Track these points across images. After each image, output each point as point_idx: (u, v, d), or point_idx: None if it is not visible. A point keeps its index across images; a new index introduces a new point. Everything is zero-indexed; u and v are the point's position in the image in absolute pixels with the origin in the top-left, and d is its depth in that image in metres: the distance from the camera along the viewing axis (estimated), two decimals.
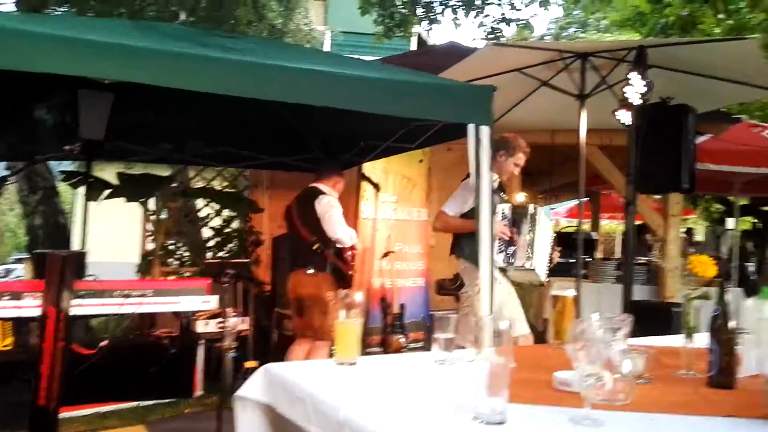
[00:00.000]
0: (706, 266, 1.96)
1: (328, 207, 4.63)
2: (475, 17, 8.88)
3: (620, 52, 4.66)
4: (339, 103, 3.22)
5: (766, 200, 10.59)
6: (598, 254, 10.45)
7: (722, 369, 1.77)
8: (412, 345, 5.82)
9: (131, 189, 5.71)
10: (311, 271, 4.60)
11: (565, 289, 2.35)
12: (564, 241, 5.43)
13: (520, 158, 4.24)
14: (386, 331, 5.50)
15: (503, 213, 4.07)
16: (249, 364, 3.88)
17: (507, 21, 9.02)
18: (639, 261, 9.27)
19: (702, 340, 1.89)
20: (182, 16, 8.02)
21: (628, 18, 11.50)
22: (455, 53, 8.20)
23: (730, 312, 1.77)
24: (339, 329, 2.04)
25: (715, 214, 13.64)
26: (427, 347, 5.95)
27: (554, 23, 19.68)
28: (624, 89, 4.40)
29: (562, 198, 13.24)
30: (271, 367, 1.99)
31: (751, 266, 12.28)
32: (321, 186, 4.76)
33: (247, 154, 5.81)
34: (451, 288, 5.19)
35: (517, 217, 4.07)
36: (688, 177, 4.70)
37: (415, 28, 10.30)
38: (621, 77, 4.58)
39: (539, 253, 4.09)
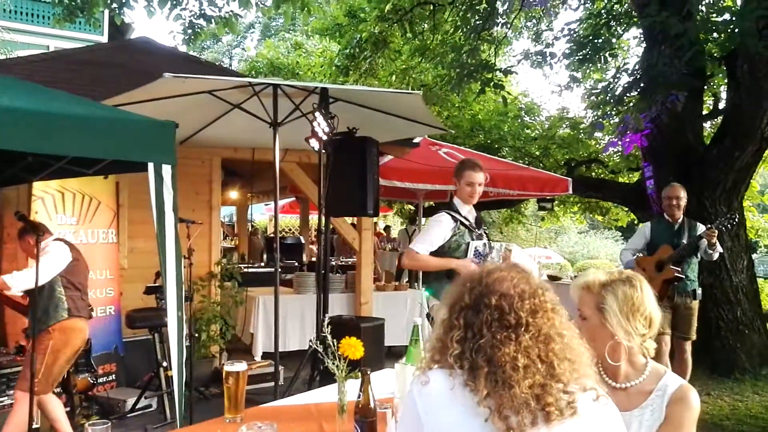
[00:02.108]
0: (354, 349, 2.05)
1: None
2: (171, 9, 8.38)
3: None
4: None
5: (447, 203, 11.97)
6: (307, 257, 10.77)
7: None
8: (103, 380, 5.33)
9: None
10: None
11: (234, 363, 2.28)
12: (272, 246, 5.47)
13: (469, 176, 3.99)
14: (69, 372, 4.91)
15: (476, 250, 3.82)
16: None
17: (207, 17, 8.71)
18: (342, 264, 9.84)
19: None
20: None
21: (327, 27, 12.05)
22: (150, 51, 7.74)
23: None
24: None
25: (407, 213, 15.15)
26: (119, 380, 5.53)
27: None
28: (312, 123, 4.53)
29: (272, 197, 13.44)
30: None
31: None
32: None
33: None
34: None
35: (490, 254, 3.81)
36: (373, 204, 5.04)
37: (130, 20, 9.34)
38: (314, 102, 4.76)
39: None
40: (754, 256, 14.86)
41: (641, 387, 1.92)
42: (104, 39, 14.06)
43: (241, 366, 2.28)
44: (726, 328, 6.75)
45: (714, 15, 6.25)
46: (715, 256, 5.09)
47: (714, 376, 6.46)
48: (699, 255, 5.18)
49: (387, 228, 16.14)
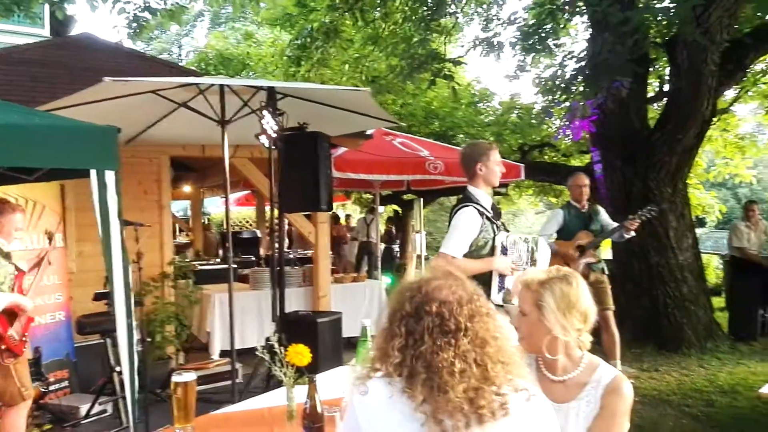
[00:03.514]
0: (301, 356, 2.08)
1: None
2: (114, 2, 8.16)
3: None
4: None
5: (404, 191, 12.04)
6: (264, 251, 10.68)
7: None
8: (55, 387, 5.24)
9: None
10: None
11: (183, 373, 2.27)
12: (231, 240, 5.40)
13: (496, 154, 3.55)
14: None
15: (503, 246, 3.41)
16: None
17: (151, 10, 8.51)
18: (300, 256, 9.81)
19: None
20: None
21: (278, 17, 11.89)
22: (92, 47, 7.53)
23: None
24: None
25: (365, 201, 15.17)
26: (73, 386, 5.44)
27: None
28: (261, 121, 4.51)
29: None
30: None
31: (395, 247, 14.04)
32: None
33: None
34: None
35: (520, 248, 3.45)
36: (326, 198, 5.06)
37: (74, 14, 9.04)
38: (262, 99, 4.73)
39: None
40: (702, 231, 15.37)
41: (578, 379, 1.99)
42: (46, 32, 13.61)
43: (189, 376, 2.27)
44: (673, 305, 6.98)
45: (654, 2, 6.39)
46: (626, 237, 5.43)
47: (662, 352, 6.68)
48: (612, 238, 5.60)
49: (347, 217, 16.15)
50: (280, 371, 2.13)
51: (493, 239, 3.42)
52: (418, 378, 1.40)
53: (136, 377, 3.41)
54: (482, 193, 3.51)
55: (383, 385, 1.46)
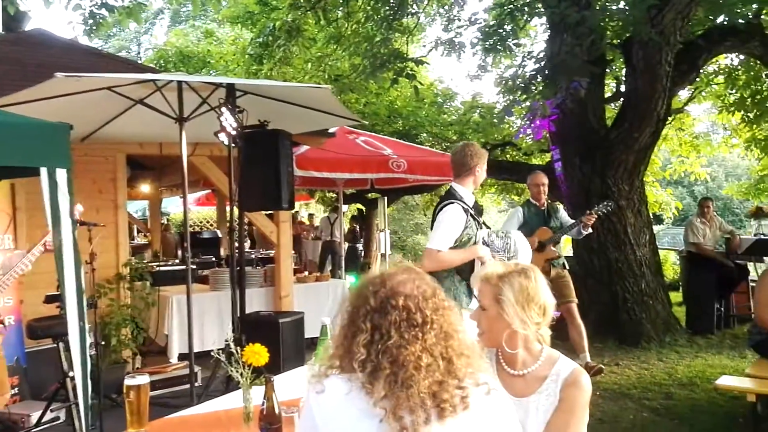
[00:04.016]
0: (258, 356, 2.03)
1: None
2: None
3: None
4: None
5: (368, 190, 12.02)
6: (225, 252, 10.53)
7: None
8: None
9: None
10: None
11: (136, 376, 2.21)
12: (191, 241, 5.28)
13: (485, 162, 3.73)
14: None
15: (483, 241, 3.50)
16: None
17: (108, 7, 8.32)
18: (262, 256, 9.71)
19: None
20: None
21: (239, 15, 11.75)
22: (46, 44, 7.33)
23: None
24: None
25: (329, 200, 15.10)
26: (23, 393, 5.25)
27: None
28: (220, 118, 4.43)
29: (189, 189, 13.09)
30: None
31: (360, 246, 14.02)
32: None
33: None
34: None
35: (498, 245, 3.50)
36: (287, 197, 5.00)
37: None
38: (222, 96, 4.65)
39: None
40: (659, 227, 15.74)
41: (537, 373, 2.00)
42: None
43: (142, 379, 2.21)
44: (632, 300, 7.11)
45: (610, 4, 6.51)
46: (584, 234, 5.53)
47: (622, 347, 6.80)
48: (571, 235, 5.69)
49: (310, 216, 16.05)
50: (237, 372, 2.08)
51: (476, 235, 3.53)
52: (381, 373, 1.39)
53: (89, 382, 3.31)
54: (467, 192, 3.63)
55: (341, 382, 1.44)
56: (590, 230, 5.46)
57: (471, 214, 3.56)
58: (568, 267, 5.74)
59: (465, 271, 3.47)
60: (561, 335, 7.10)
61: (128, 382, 2.20)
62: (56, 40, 7.56)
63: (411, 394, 1.36)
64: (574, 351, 5.35)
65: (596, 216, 5.33)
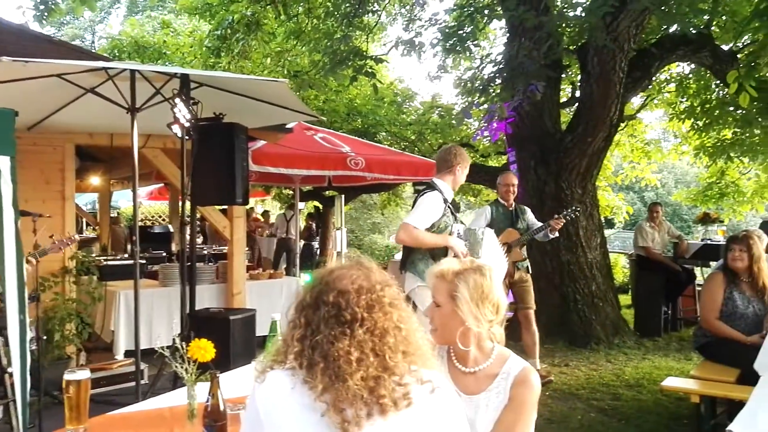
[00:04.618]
0: (204, 351, 1.98)
1: None
2: None
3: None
4: None
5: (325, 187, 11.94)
6: (176, 247, 10.32)
7: None
8: None
9: None
10: None
11: (76, 370, 2.13)
12: (142, 236, 5.14)
13: (467, 167, 4.11)
14: None
15: (458, 234, 3.78)
16: None
17: None
18: (215, 252, 9.54)
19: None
20: None
21: (197, 6, 11.53)
22: None
23: None
24: None
25: (286, 197, 14.95)
26: None
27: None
28: (173, 110, 4.32)
29: (140, 183, 12.80)
30: None
31: (315, 244, 13.91)
32: None
33: None
34: None
35: (470, 240, 3.73)
36: (242, 192, 4.92)
37: None
38: (176, 87, 4.54)
39: None
40: (610, 231, 16.08)
41: (488, 371, 2.00)
42: None
43: (83, 374, 2.13)
44: (582, 302, 7.24)
45: (567, 10, 6.61)
46: (551, 237, 5.56)
47: (572, 348, 6.91)
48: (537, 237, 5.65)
49: (265, 213, 15.86)
50: (181, 368, 2.02)
51: (452, 226, 3.82)
52: (317, 368, 1.40)
53: (28, 378, 3.18)
54: (446, 187, 3.97)
55: (285, 377, 1.44)
56: (557, 234, 5.46)
57: (449, 207, 3.85)
58: (531, 271, 5.71)
59: (439, 256, 3.64)
60: (514, 335, 7.23)
61: (68, 377, 2.12)
62: (5, 24, 7.26)
63: (347, 387, 1.37)
64: (525, 353, 5.41)
65: (564, 220, 5.37)
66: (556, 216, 5.38)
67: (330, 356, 1.40)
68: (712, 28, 7.47)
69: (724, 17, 7.34)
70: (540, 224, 5.55)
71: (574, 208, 5.54)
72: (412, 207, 3.93)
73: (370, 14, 9.01)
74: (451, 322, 1.97)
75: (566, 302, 7.25)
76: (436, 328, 2.00)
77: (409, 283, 3.90)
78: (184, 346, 2.05)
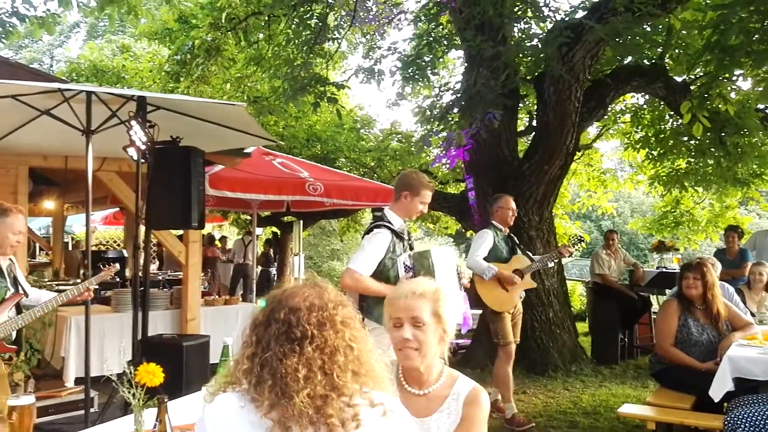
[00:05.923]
0: (152, 376, 1.94)
1: None
2: None
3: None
4: None
5: (284, 213, 11.88)
6: (131, 272, 10.08)
7: None
8: None
9: None
10: None
11: (20, 396, 2.05)
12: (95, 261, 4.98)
13: (426, 196, 3.81)
14: None
15: (405, 265, 3.59)
16: None
17: (20, 16, 7.94)
18: (171, 278, 9.36)
19: None
20: None
21: (157, 31, 11.47)
22: None
23: None
24: None
25: (243, 223, 14.79)
26: None
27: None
28: (129, 132, 4.27)
29: (94, 207, 12.51)
30: None
31: (273, 270, 13.77)
32: None
33: None
34: None
35: (419, 266, 3.56)
36: (198, 216, 4.87)
37: None
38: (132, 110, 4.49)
39: None
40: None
41: (439, 392, 2.00)
42: None
43: (26, 399, 2.06)
44: (540, 329, 7.29)
45: (524, 41, 6.79)
46: (550, 265, 5.59)
47: (530, 375, 6.94)
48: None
49: (223, 239, 15.66)
50: (129, 393, 1.97)
51: (398, 260, 3.64)
52: (265, 385, 1.39)
53: None
54: (394, 216, 3.80)
55: (235, 397, 1.43)
56: (554, 263, 5.48)
57: (397, 235, 3.69)
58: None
59: None
60: (471, 362, 7.21)
61: (11, 402, 2.04)
62: None
63: (293, 404, 1.36)
64: (484, 380, 5.36)
65: (573, 249, 5.39)
66: (565, 244, 5.44)
67: (278, 373, 1.39)
68: (666, 60, 7.72)
69: (677, 50, 7.62)
70: (549, 252, 5.52)
71: (578, 236, 5.59)
72: (362, 239, 3.80)
73: (331, 42, 9.08)
74: (431, 340, 1.96)
75: (524, 329, 7.21)
76: (419, 347, 1.95)
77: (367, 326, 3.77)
78: (134, 371, 2.00)
